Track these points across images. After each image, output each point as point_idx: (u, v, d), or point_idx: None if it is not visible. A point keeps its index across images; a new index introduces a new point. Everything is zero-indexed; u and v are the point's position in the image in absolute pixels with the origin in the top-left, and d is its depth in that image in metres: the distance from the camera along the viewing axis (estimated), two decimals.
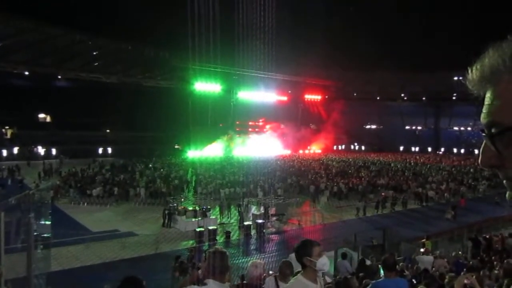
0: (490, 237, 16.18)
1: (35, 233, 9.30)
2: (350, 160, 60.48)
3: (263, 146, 70.56)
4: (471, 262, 11.76)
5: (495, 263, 11.15)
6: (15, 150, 51.95)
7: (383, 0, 78.18)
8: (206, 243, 19.08)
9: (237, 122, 74.34)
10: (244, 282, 7.54)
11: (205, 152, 63.14)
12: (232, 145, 69.80)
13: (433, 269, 11.01)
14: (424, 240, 15.99)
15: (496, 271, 9.58)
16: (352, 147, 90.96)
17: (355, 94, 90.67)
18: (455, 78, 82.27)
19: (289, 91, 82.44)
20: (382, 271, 7.87)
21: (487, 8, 75.84)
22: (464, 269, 10.77)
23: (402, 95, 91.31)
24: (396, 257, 10.25)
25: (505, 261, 10.50)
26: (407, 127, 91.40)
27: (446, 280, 7.91)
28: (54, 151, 53.55)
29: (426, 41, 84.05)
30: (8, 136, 55.59)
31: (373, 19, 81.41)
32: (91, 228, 21.44)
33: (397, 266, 7.26)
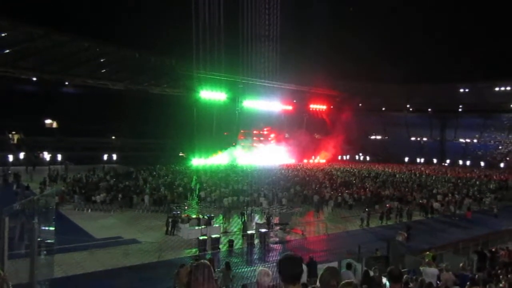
0: (496, 250, 16.00)
1: (39, 239, 9.30)
2: (355, 170, 60.27)
3: (268, 155, 70.56)
4: (476, 276, 11.62)
5: (501, 276, 11.01)
6: (21, 155, 52.22)
7: (390, 13, 78.58)
8: (209, 252, 19.02)
9: (242, 131, 74.42)
10: None
11: (210, 160, 63.23)
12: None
13: (439, 282, 10.87)
14: (427, 252, 15.87)
15: (501, 285, 9.47)
16: (357, 157, 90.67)
17: (360, 105, 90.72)
18: (461, 90, 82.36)
19: (294, 101, 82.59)
20: (386, 283, 7.79)
21: (493, 22, 75.96)
22: (468, 283, 10.66)
23: (408, 106, 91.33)
24: (400, 269, 10.15)
25: (509, 275, 10.40)
26: (412, 138, 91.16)
27: None
28: (59, 157, 53.78)
29: (432, 53, 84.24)
30: (15, 141, 55.97)
31: (380, 31, 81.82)
32: (95, 234, 21.43)
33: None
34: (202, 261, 3.11)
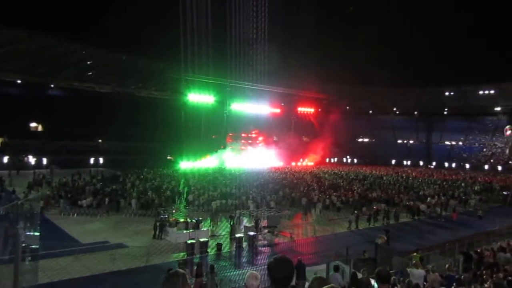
0: (481, 251, 16.21)
1: (23, 244, 9.13)
2: (343, 173, 60.64)
3: (256, 158, 70.57)
4: (462, 276, 11.77)
5: (485, 277, 11.16)
6: (5, 159, 51.26)
7: (377, 17, 79.53)
8: (197, 255, 18.91)
9: (230, 134, 74.31)
10: None
11: (198, 163, 62.96)
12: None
13: (426, 283, 10.97)
14: (414, 253, 16.02)
15: (486, 285, 9.60)
16: (344, 160, 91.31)
17: (348, 108, 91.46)
18: (446, 94, 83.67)
19: (282, 104, 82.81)
20: (374, 285, 7.82)
21: (478, 27, 77.40)
22: (454, 283, 10.78)
23: (395, 109, 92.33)
24: (388, 270, 10.20)
25: (494, 275, 10.55)
26: (399, 141, 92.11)
27: None
28: (45, 161, 52.94)
29: (418, 57, 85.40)
30: None
31: (367, 35, 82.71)
32: (81, 239, 21.13)
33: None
34: (177, 269, 3.09)
